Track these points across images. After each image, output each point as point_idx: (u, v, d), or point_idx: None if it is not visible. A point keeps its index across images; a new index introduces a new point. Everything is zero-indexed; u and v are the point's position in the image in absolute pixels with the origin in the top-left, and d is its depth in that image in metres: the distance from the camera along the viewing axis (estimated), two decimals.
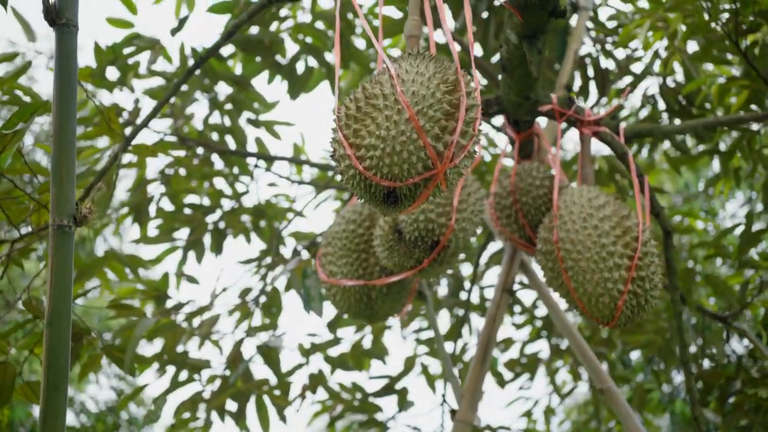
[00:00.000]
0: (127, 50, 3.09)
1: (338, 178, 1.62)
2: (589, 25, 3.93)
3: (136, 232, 3.58)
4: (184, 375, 3.24)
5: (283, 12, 3.42)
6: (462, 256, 4.04)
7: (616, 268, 2.12)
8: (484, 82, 3.23)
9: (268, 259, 3.59)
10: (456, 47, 1.70)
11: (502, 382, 4.42)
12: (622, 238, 2.15)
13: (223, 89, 3.40)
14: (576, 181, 2.63)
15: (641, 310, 2.16)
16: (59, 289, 1.74)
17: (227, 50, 3.39)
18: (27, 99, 2.97)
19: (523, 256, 2.80)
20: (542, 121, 3.40)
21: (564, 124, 2.84)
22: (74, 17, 1.87)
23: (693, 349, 4.04)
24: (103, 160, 2.90)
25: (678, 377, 5.53)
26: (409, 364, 3.70)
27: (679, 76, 3.91)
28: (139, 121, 3.17)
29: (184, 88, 3.28)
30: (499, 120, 3.39)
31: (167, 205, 3.41)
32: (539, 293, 2.71)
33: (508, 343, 4.61)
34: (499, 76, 2.33)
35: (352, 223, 2.44)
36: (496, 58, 3.35)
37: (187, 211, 3.52)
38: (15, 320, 2.44)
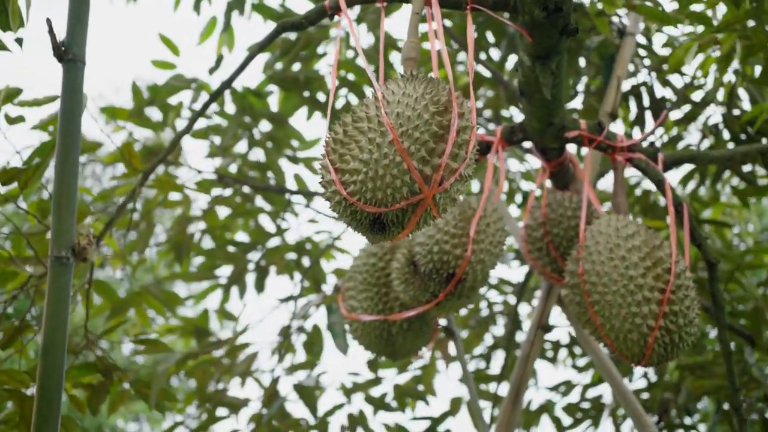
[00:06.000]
0: (166, 90, 3.16)
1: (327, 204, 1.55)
2: (643, 53, 3.77)
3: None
4: (221, 413, 3.21)
5: (323, 48, 3.43)
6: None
7: (645, 303, 1.96)
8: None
9: (314, 296, 3.55)
10: (449, 64, 1.62)
11: (560, 428, 4.19)
12: (652, 269, 1.99)
13: (264, 127, 3.43)
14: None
15: (675, 348, 1.99)
16: (55, 322, 1.73)
17: (267, 87, 3.42)
18: None
19: (561, 291, 2.65)
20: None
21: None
22: (81, 53, 1.90)
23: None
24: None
25: None
26: (455, 405, 3.55)
27: (746, 104, 3.69)
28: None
29: (224, 124, 3.32)
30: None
31: (208, 243, 3.43)
32: (576, 331, 2.55)
33: (568, 386, 4.38)
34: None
35: (372, 257, 2.37)
36: None
37: (230, 248, 3.53)
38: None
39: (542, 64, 1.89)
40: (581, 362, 4.53)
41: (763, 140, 3.57)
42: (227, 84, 2.20)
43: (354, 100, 3.42)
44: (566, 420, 4.28)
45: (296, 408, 3.54)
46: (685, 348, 2.01)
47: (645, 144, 2.43)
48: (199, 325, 3.26)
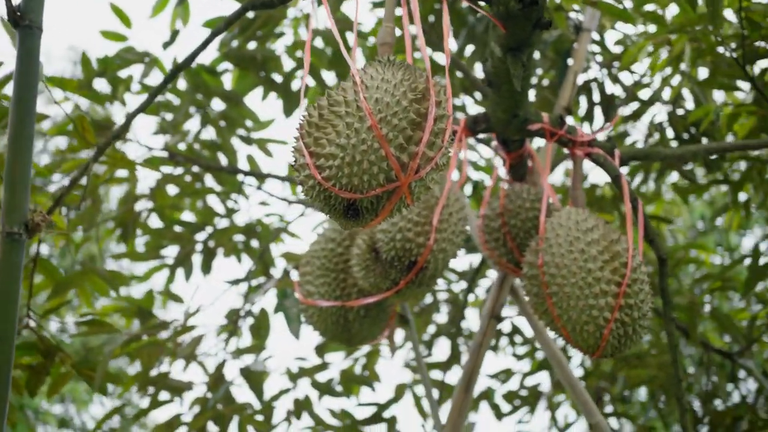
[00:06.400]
0: (117, 63, 3.05)
1: (299, 189, 1.52)
2: (596, 49, 3.84)
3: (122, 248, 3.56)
4: (164, 396, 3.14)
5: (280, 29, 3.36)
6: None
7: (602, 295, 2.00)
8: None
9: (262, 279, 3.51)
10: (427, 52, 1.61)
11: (499, 414, 4.27)
12: (610, 263, 2.03)
13: (216, 105, 3.35)
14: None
15: (629, 340, 2.04)
16: (5, 302, 1.64)
17: (222, 65, 3.34)
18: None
19: (514, 281, 2.68)
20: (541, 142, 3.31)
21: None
22: (38, 19, 1.81)
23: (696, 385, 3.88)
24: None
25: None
26: (400, 391, 3.57)
27: (690, 104, 3.80)
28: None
29: (176, 102, 3.22)
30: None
31: (156, 222, 3.34)
32: (529, 321, 2.59)
33: (508, 374, 4.47)
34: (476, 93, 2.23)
35: (331, 242, 2.35)
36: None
37: (177, 228, 3.44)
38: None
39: (513, 56, 1.89)
40: (521, 350, 4.61)
41: (704, 140, 3.69)
42: (189, 60, 2.14)
43: (311, 82, 3.37)
44: (505, 407, 4.36)
45: (241, 392, 3.49)
46: (638, 340, 2.06)
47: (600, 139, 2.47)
48: (142, 306, 3.17)
